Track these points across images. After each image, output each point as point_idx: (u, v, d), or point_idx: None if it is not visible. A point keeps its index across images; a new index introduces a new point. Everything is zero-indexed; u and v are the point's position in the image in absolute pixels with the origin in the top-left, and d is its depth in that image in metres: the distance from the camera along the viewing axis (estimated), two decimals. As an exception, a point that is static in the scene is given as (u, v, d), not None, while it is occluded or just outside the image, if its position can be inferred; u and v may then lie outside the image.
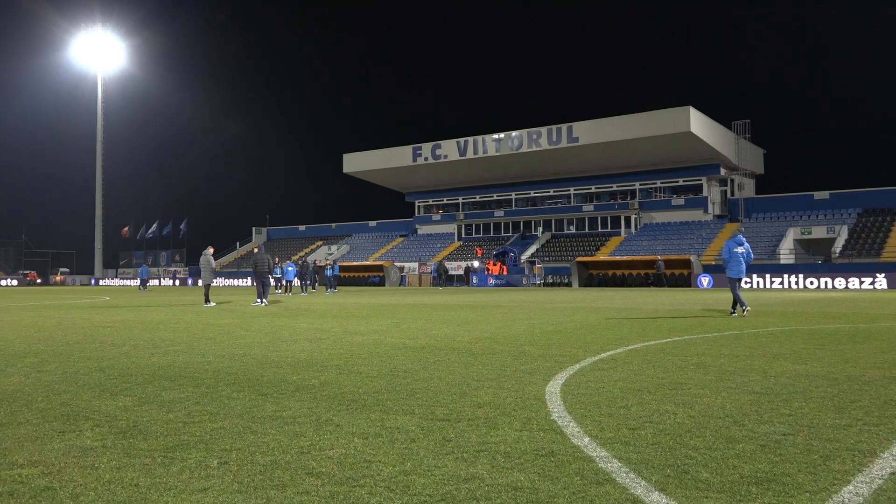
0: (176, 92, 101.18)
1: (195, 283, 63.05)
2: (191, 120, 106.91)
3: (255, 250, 21.47)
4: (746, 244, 14.12)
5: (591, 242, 55.56)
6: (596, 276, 46.24)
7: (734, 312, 13.81)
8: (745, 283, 39.04)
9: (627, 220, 56.49)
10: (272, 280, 30.82)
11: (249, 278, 59.59)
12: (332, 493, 2.94)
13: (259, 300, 19.64)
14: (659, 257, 43.73)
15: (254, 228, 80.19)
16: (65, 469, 3.27)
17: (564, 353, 7.52)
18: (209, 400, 4.87)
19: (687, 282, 42.02)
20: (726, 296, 25.37)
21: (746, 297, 24.35)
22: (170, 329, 11.00)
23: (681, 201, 55.21)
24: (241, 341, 8.95)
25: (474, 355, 7.33)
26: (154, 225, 76.86)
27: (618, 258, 46.12)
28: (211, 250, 20.33)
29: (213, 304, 19.63)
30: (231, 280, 61.90)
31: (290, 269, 30.01)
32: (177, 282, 66.03)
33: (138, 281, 42.96)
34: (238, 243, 78.11)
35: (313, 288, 35.10)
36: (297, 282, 34.27)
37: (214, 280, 20.17)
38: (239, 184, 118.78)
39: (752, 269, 41.43)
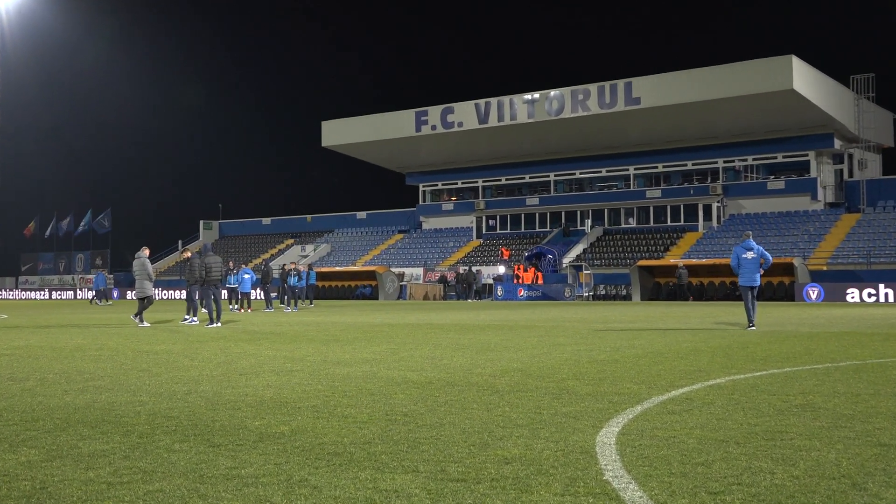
0: (98, 41, 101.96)
1: (122, 296, 63.47)
2: (117, 77, 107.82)
3: (188, 254, 21.68)
4: (758, 248, 16.67)
5: (658, 240, 55.45)
6: (665, 287, 46.14)
7: (751, 326, 16.39)
8: (870, 295, 38.89)
9: (707, 209, 56.33)
10: (224, 293, 30.89)
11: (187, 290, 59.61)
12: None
13: (191, 317, 19.83)
14: (681, 264, 43.70)
15: (202, 222, 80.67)
16: (-50, 545, 3.30)
17: (622, 390, 7.52)
18: (142, 453, 4.90)
19: (789, 293, 41.86)
20: (839, 312, 25.25)
21: (861, 313, 24.19)
22: (89, 358, 11.06)
23: (780, 184, 54.99)
24: (186, 374, 8.99)
25: (499, 393, 7.34)
26: (68, 218, 77.43)
27: (694, 261, 45.97)
28: (146, 252, 20.48)
29: (147, 323, 19.78)
30: (173, 291, 62.28)
31: (246, 276, 30.08)
32: (98, 294, 66.37)
33: (92, 293, 42.98)
34: (181, 242, 78.62)
35: (281, 302, 35.23)
36: (256, 294, 34.27)
37: (154, 291, 20.21)
38: (181, 162, 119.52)
39: (877, 277, 41.18)
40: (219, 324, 19.57)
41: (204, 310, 20.32)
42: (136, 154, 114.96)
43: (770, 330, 16.48)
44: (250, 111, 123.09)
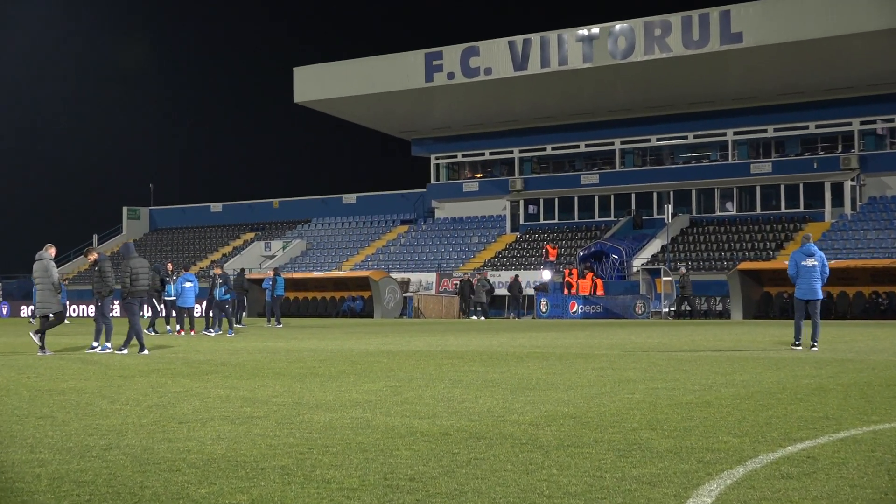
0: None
1: (13, 313, 63.85)
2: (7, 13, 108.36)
3: (94, 255, 21.44)
4: (819, 254, 18.79)
5: (768, 233, 55.20)
6: (777, 299, 45.94)
7: (814, 345, 18.84)
8: None
9: (837, 189, 55.99)
10: (160, 307, 30.94)
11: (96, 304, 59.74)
12: None
13: (102, 343, 20.04)
14: (683, 268, 43.49)
15: (126, 209, 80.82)
16: None
17: (716, 444, 7.52)
18: (44, 532, 4.92)
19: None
20: None
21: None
22: (-30, 399, 11.11)
23: (939, 155, 54.74)
24: (104, 423, 9.03)
25: (543, 448, 7.35)
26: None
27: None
28: (51, 251, 20.50)
29: (49, 351, 19.79)
30: (86, 306, 62.54)
31: (188, 285, 29.94)
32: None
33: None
34: (96, 237, 78.90)
35: (236, 322, 35.23)
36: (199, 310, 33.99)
37: (62, 306, 20.40)
38: (97, 129, 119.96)
39: None
40: (146, 351, 19.60)
41: (148, 330, 20.34)
42: (34, 117, 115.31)
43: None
44: (192, 57, 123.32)
